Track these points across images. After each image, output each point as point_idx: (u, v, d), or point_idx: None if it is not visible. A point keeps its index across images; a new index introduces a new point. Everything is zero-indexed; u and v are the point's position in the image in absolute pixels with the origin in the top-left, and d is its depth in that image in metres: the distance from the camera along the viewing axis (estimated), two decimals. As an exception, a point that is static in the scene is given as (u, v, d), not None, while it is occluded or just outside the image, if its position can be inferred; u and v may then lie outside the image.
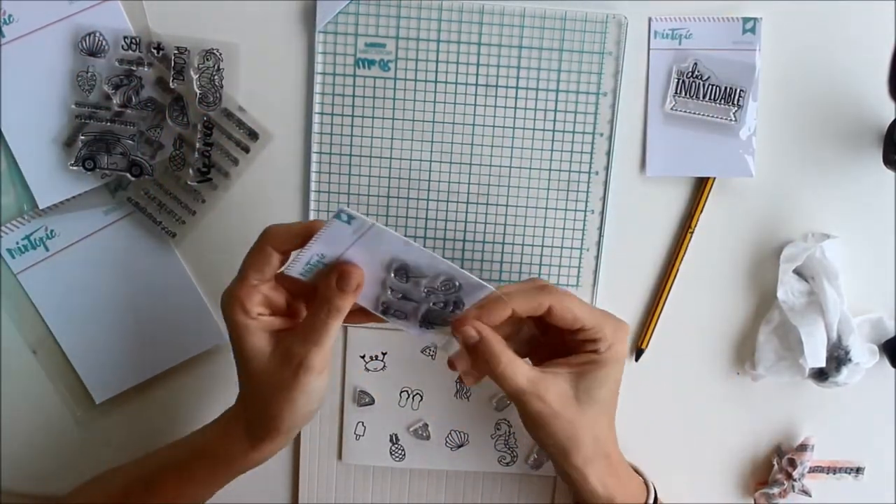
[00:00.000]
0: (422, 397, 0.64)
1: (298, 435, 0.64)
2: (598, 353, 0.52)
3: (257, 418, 0.52)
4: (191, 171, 0.59)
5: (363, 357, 0.63)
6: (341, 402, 0.64)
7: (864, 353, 0.61)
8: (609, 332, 0.52)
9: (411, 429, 0.64)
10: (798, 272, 0.61)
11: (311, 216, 0.61)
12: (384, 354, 0.63)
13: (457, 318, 0.51)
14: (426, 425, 0.64)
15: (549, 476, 0.65)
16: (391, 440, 0.64)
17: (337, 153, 0.60)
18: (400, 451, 0.65)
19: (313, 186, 0.60)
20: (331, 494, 0.66)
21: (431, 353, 0.63)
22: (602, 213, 0.61)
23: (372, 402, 0.64)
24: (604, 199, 0.61)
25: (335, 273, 0.50)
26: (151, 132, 0.59)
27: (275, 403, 0.51)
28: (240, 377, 0.53)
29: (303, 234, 0.49)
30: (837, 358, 0.61)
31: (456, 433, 0.64)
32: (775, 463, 0.65)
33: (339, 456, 0.65)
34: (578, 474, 0.54)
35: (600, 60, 0.58)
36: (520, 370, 0.51)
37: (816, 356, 0.59)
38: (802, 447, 0.64)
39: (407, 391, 0.64)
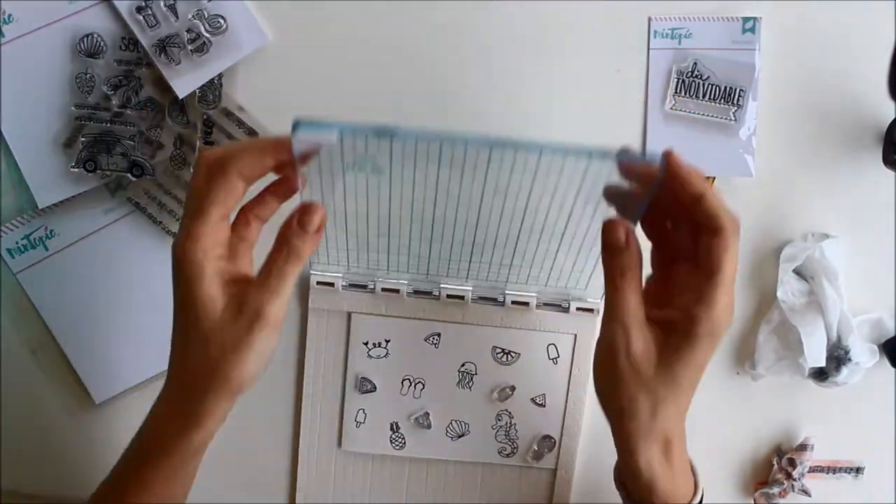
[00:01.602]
0: (424, 386, 0.64)
1: (298, 421, 0.64)
2: (697, 323, 0.46)
3: (199, 386, 0.46)
4: (192, 170, 0.59)
5: (366, 344, 0.63)
6: (342, 389, 0.64)
7: (863, 353, 0.61)
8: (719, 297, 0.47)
9: (412, 417, 0.64)
10: (798, 272, 0.61)
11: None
12: (387, 342, 0.63)
13: (610, 221, 0.48)
14: (427, 414, 0.64)
15: (548, 469, 0.65)
16: (391, 428, 0.64)
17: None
18: (400, 440, 0.64)
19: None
20: (329, 481, 0.65)
21: (435, 341, 0.63)
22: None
23: (373, 389, 0.64)
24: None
25: (296, 211, 0.46)
26: (151, 132, 0.59)
27: (224, 364, 0.45)
28: (182, 335, 0.46)
29: (274, 150, 0.45)
30: (837, 358, 0.61)
31: (457, 423, 0.64)
32: (775, 463, 0.65)
33: (339, 443, 0.65)
34: (628, 444, 0.49)
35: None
36: (632, 301, 0.47)
37: (816, 356, 0.59)
38: (802, 447, 0.65)
39: (409, 379, 0.63)
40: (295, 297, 0.62)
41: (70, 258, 0.61)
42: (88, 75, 0.57)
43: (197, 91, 0.58)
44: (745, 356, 0.64)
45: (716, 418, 0.65)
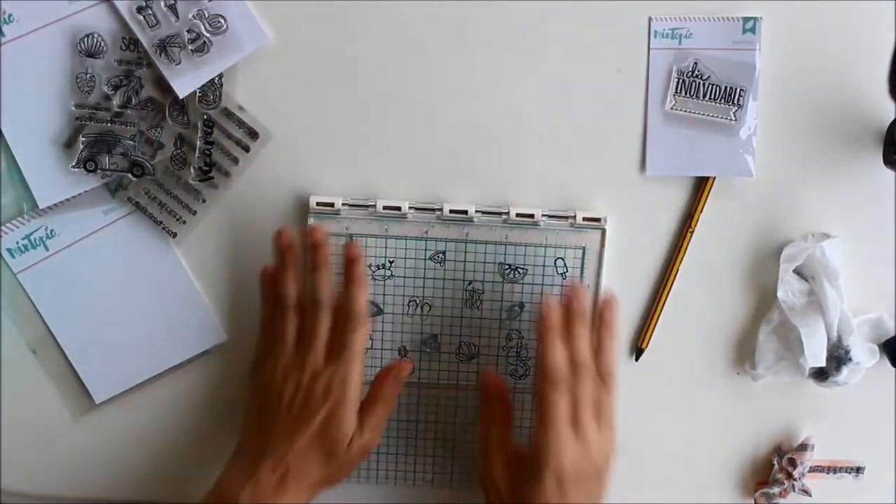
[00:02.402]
0: (430, 307, 0.62)
1: None
2: None
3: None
4: (192, 170, 0.59)
5: (369, 266, 0.61)
6: None
7: (864, 353, 0.61)
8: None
9: (420, 340, 0.63)
10: (798, 272, 0.61)
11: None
12: (391, 263, 0.62)
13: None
14: (435, 336, 0.63)
15: None
16: (400, 353, 0.63)
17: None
18: None
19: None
20: None
21: (440, 259, 0.61)
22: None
23: (379, 312, 0.63)
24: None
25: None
26: (152, 132, 0.59)
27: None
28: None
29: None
30: (837, 358, 0.61)
31: (466, 345, 0.63)
32: (775, 463, 0.65)
33: None
34: None
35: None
36: (494, 436, 0.59)
37: (816, 356, 0.59)
38: (802, 447, 0.65)
39: (415, 301, 0.62)
40: (295, 220, 0.61)
41: (70, 258, 0.61)
42: (89, 75, 0.57)
43: (197, 91, 0.58)
44: (745, 356, 0.64)
45: (716, 418, 0.65)
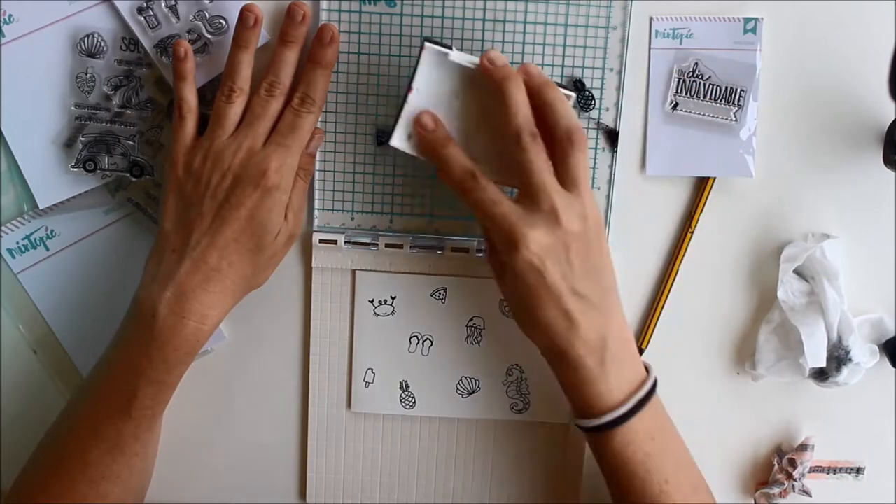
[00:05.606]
0: (432, 343, 0.63)
1: (307, 383, 0.64)
2: None
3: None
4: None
5: (372, 301, 0.62)
6: (350, 349, 0.63)
7: (864, 353, 0.61)
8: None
9: (421, 375, 0.63)
10: (798, 272, 0.62)
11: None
12: (393, 299, 0.62)
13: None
14: (435, 371, 0.63)
15: (561, 424, 0.64)
16: (401, 387, 0.63)
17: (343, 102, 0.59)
18: (410, 399, 0.64)
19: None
20: (340, 443, 0.65)
21: (441, 296, 0.62)
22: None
23: (381, 347, 0.63)
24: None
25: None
26: (151, 132, 0.59)
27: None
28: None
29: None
30: (837, 358, 0.61)
31: (467, 380, 0.63)
32: (775, 463, 0.65)
33: (349, 404, 0.64)
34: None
35: (609, -3, 0.57)
36: (459, 159, 0.52)
37: (817, 356, 0.59)
38: (802, 447, 0.65)
39: (416, 336, 0.63)
40: (298, 256, 0.61)
41: (71, 258, 0.61)
42: (89, 75, 0.57)
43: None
44: (745, 356, 0.64)
45: (716, 418, 0.65)
